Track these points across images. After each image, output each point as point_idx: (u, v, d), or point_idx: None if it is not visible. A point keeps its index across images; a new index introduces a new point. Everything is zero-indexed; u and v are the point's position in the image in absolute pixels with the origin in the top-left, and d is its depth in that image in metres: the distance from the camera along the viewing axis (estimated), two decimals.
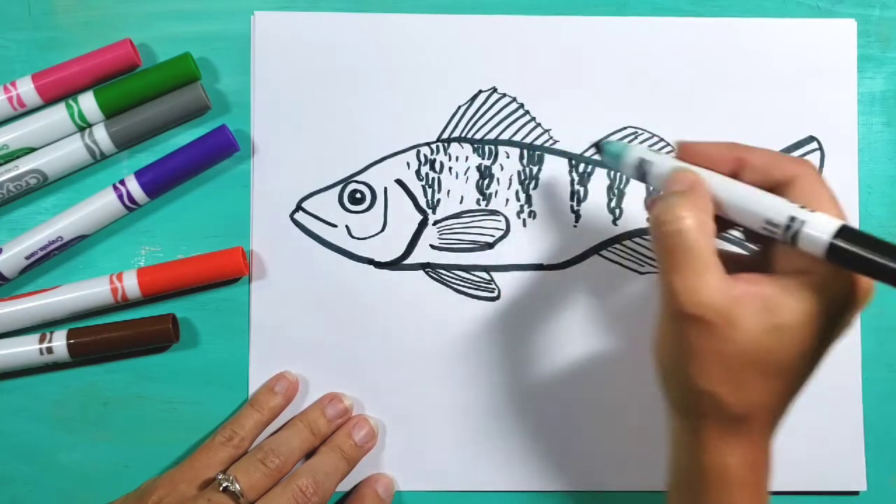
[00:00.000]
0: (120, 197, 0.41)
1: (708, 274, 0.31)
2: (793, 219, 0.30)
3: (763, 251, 0.34)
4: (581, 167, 0.43)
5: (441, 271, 0.43)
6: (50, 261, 0.42)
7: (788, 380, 0.32)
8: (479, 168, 0.43)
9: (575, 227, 0.43)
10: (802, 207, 0.30)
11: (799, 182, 0.32)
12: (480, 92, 0.43)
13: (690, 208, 0.31)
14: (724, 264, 0.34)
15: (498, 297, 0.42)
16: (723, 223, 0.33)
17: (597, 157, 0.43)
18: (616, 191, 0.43)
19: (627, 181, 0.43)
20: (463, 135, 0.43)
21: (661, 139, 0.43)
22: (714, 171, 0.34)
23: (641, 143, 0.42)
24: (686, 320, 0.31)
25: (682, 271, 0.31)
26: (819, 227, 0.29)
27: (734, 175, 0.34)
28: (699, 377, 0.31)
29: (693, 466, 0.33)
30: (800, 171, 0.32)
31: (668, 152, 0.43)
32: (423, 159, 0.43)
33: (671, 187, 0.33)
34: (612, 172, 0.42)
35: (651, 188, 0.42)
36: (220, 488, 0.37)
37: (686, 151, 0.35)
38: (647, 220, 0.32)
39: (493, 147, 0.43)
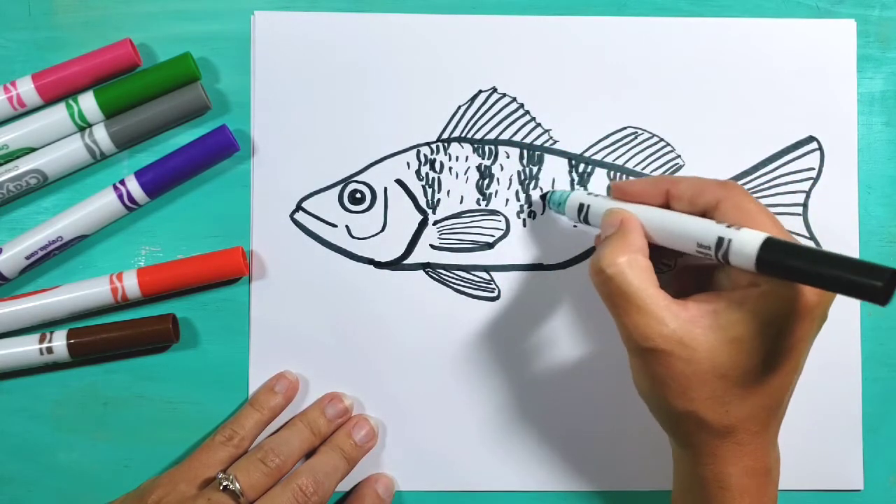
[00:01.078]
0: (120, 197, 0.41)
1: (652, 307, 0.32)
2: (721, 239, 0.31)
3: (718, 269, 0.35)
4: (581, 167, 0.43)
5: (441, 271, 0.43)
6: (50, 261, 0.42)
7: (762, 389, 0.32)
8: (479, 168, 0.43)
9: (575, 227, 0.43)
10: (729, 227, 0.31)
11: (725, 203, 0.32)
12: (480, 92, 0.43)
13: (621, 251, 0.33)
14: (687, 280, 0.35)
15: (498, 297, 0.43)
16: (671, 252, 0.34)
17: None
18: None
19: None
20: (463, 135, 0.43)
21: (661, 139, 0.43)
22: (647, 205, 0.35)
23: (641, 142, 0.42)
24: (644, 354, 0.32)
25: (627, 312, 0.32)
26: (745, 243, 0.30)
27: (666, 207, 0.35)
28: (675, 401, 0.32)
29: (694, 479, 0.34)
30: (724, 193, 0.33)
31: (671, 154, 0.43)
32: (423, 159, 0.43)
33: (604, 231, 0.35)
34: (613, 172, 0.42)
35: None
36: (220, 487, 0.37)
37: (619, 191, 0.37)
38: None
39: (493, 147, 0.43)
